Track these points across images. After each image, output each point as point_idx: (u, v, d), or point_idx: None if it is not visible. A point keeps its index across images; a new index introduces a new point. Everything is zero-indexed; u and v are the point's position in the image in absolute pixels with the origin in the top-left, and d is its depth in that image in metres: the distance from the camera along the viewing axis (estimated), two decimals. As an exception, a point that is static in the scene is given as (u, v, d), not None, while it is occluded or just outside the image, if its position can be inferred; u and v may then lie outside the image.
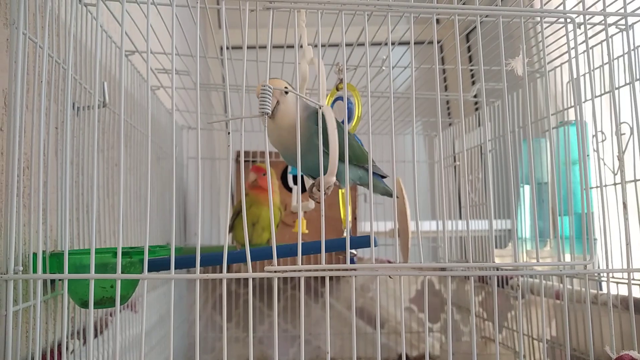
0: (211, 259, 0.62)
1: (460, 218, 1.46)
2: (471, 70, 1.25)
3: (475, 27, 0.64)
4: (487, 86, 1.12)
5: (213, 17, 1.83)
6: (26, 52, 0.56)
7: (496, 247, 1.35)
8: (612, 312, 0.58)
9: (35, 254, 0.55)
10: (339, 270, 0.52)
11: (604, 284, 0.89)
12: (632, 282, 0.63)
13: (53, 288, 0.61)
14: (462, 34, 1.29)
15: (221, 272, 0.52)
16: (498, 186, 1.20)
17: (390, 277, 0.60)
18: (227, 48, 0.65)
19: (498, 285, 1.15)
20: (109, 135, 0.84)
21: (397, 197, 0.98)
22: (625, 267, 0.59)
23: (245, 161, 1.52)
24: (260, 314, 1.57)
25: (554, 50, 0.96)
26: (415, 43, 0.63)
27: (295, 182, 1.02)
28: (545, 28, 0.90)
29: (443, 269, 0.58)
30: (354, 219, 1.45)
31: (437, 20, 1.53)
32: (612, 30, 0.80)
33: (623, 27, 0.76)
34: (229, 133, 0.52)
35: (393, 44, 0.72)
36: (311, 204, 0.89)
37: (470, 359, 0.56)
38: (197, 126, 0.54)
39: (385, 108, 1.34)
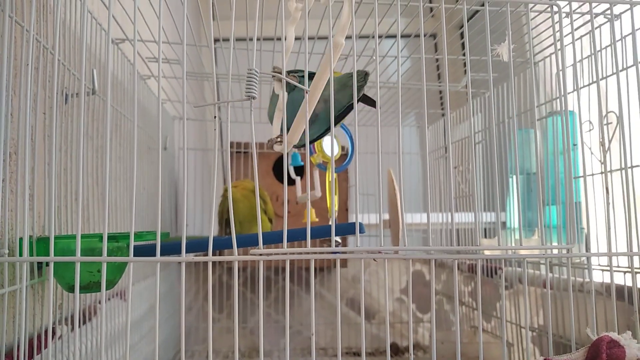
0: (197, 245, 0.63)
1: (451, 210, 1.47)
2: (463, 59, 1.25)
3: (469, 20, 0.64)
4: (478, 77, 1.12)
5: (206, 8, 1.83)
6: (12, 36, 0.55)
7: (485, 238, 1.36)
8: (593, 293, 0.59)
9: (21, 239, 0.55)
10: (323, 253, 0.53)
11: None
12: (614, 269, 0.64)
13: (40, 274, 0.62)
14: (456, 28, 1.29)
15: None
16: (489, 177, 1.21)
17: (375, 261, 0.60)
18: (215, 17, 0.65)
19: (487, 275, 1.16)
20: (100, 123, 0.84)
21: (394, 189, 0.97)
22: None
23: (237, 152, 1.51)
24: (252, 306, 1.58)
25: (545, 39, 0.97)
26: (408, 35, 0.64)
27: (296, 174, 1.01)
28: (534, 17, 0.90)
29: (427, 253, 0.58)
30: (345, 210, 1.46)
31: (432, 12, 1.53)
32: (601, 20, 0.81)
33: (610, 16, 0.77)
34: (215, 117, 0.52)
35: (380, 36, 0.72)
36: (317, 193, 0.89)
37: (460, 347, 0.57)
38: (183, 106, 0.54)
39: (379, 99, 1.34)
